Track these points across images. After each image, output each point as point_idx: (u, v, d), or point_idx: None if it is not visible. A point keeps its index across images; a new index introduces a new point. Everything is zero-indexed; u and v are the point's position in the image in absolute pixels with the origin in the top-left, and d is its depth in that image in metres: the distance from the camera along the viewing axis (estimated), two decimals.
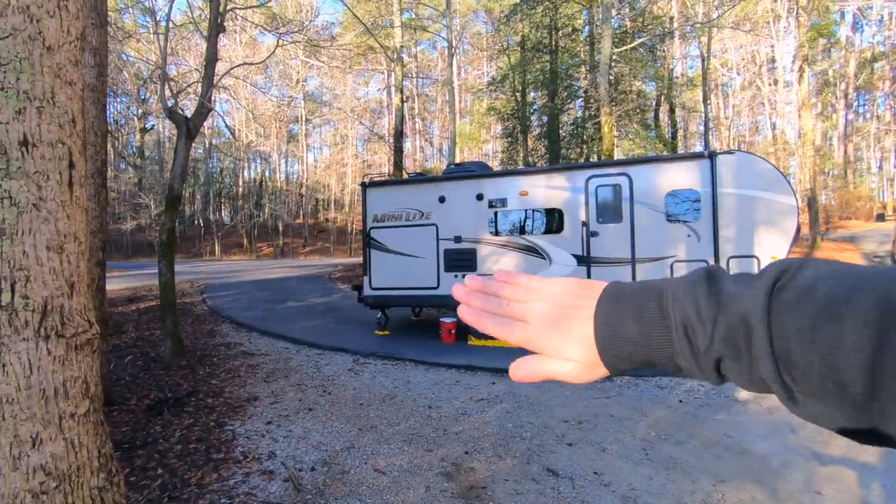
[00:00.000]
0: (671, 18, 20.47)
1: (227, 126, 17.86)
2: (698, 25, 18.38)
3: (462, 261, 8.60)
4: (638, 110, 16.80)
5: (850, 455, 4.10)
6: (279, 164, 46.35)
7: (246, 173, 45.88)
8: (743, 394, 5.68)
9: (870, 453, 4.14)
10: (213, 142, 42.77)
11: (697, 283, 0.46)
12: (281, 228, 40.18)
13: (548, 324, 0.53)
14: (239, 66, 12.36)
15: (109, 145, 7.38)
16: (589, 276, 7.78)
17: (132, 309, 12.02)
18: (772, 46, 26.26)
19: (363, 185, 9.51)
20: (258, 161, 46.64)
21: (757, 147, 31.24)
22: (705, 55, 20.83)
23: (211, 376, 6.75)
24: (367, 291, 9.29)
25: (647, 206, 7.55)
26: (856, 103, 36.63)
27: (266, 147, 42.67)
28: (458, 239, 8.60)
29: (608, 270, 7.68)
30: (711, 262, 7.14)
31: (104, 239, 5.19)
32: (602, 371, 0.51)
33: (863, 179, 35.37)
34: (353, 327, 10.02)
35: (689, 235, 7.34)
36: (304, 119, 41.34)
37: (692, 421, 4.92)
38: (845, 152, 32.82)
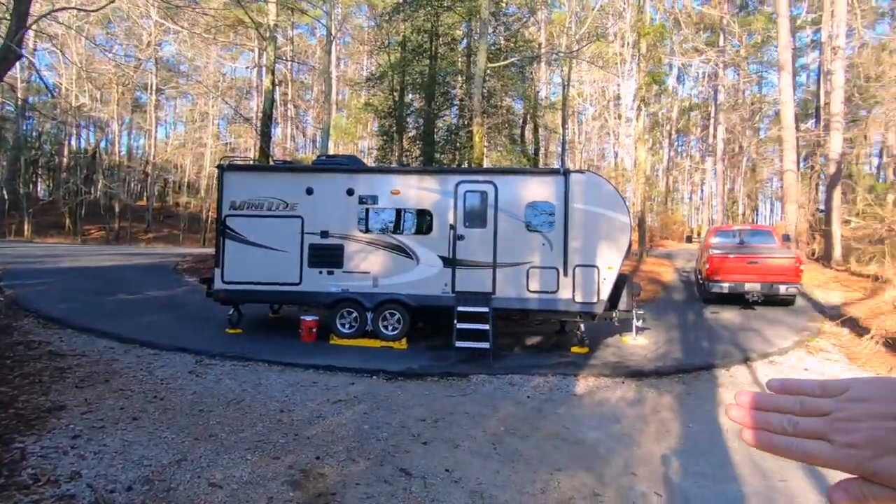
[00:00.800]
0: (539, 45, 22.38)
1: (43, 80, 14.80)
2: (561, 55, 20.35)
3: (328, 257, 8.25)
4: (507, 125, 17.99)
5: (659, 439, 4.77)
6: (119, 136, 40.05)
7: (74, 142, 38.73)
8: (580, 388, 6.32)
9: (673, 435, 4.88)
10: (30, 99, 35.32)
11: None
12: (117, 210, 34.69)
13: (872, 443, 0.41)
14: (65, 9, 10.31)
15: None
16: (454, 278, 8.01)
17: None
18: (618, 85, 30.21)
19: (220, 167, 8.60)
20: (92, 129, 39.71)
21: (602, 171, 35.57)
22: (566, 83, 23.16)
23: None
24: (218, 285, 8.39)
25: (509, 215, 8.03)
26: (676, 143, 43.88)
27: (104, 114, 36.52)
28: (324, 234, 8.22)
29: (471, 273, 8.00)
30: (560, 268, 7.85)
31: None
32: None
33: (678, 207, 42.60)
34: (200, 325, 8.99)
35: (543, 244, 7.97)
36: (154, 88, 36.26)
37: (537, 415, 5.32)
38: (667, 183, 39.05)
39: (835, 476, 0.43)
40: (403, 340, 8.13)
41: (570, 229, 7.88)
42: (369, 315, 8.15)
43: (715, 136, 32.66)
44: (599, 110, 37.78)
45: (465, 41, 18.27)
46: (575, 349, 7.99)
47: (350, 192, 8.25)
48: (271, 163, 13.58)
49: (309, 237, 8.22)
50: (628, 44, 24.94)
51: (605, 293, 7.82)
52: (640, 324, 8.65)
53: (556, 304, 7.93)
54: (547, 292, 7.90)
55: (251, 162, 14.33)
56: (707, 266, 11.08)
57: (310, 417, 4.92)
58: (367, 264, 8.21)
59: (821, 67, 25.46)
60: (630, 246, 8.19)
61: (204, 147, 39.70)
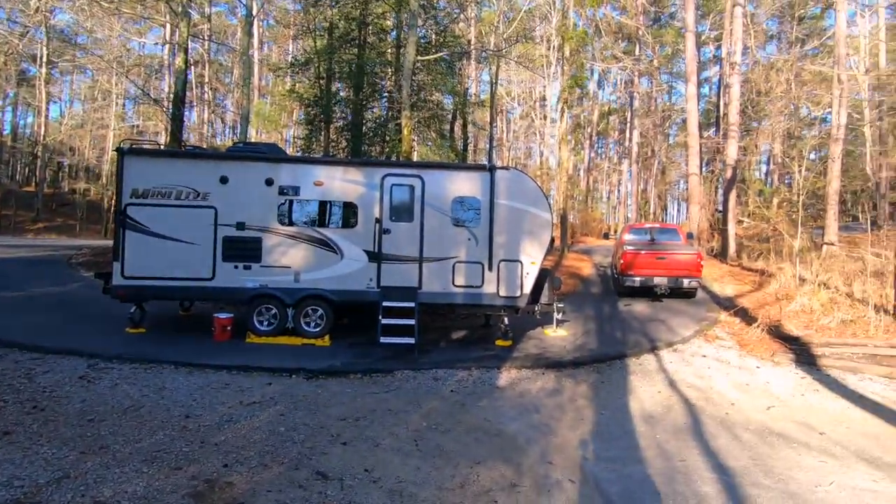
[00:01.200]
0: (469, 41, 22.62)
1: None
2: (490, 53, 20.70)
3: (245, 250, 7.76)
4: (436, 119, 17.99)
5: (574, 427, 4.97)
6: (2, 112, 35.27)
7: None
8: (502, 381, 6.45)
9: (587, 423, 5.10)
10: None
11: None
12: None
13: None
14: None
15: None
16: (379, 273, 7.86)
17: None
18: (544, 87, 31.31)
19: (120, 150, 7.78)
20: None
21: (529, 169, 36.76)
22: (494, 81, 23.61)
23: None
24: (117, 280, 7.61)
25: (436, 209, 8.01)
26: (596, 145, 46.37)
27: None
28: (241, 226, 7.72)
29: (397, 268, 7.89)
30: (486, 263, 7.97)
31: None
32: None
33: (597, 205, 45.13)
34: (96, 325, 8.12)
35: (469, 239, 8.04)
36: (44, 59, 32.25)
37: (459, 409, 5.34)
38: (587, 182, 41.20)
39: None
40: (326, 337, 7.86)
41: (496, 225, 8.01)
42: (290, 311, 7.80)
43: (630, 140, 34.85)
44: (527, 110, 38.99)
45: (394, 32, 17.99)
46: (499, 342, 8.15)
47: (269, 183, 7.81)
48: (183, 148, 12.56)
49: (223, 229, 7.69)
50: (553, 47, 25.90)
51: (528, 287, 8.04)
52: (560, 316, 9.01)
53: (481, 299, 8.04)
54: (472, 287, 7.99)
55: (160, 146, 13.16)
56: (621, 261, 11.78)
57: (219, 422, 4.58)
58: (288, 258, 7.83)
59: (721, 81, 27.98)
60: (552, 242, 8.48)
61: (106, 129, 36.00)
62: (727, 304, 11.00)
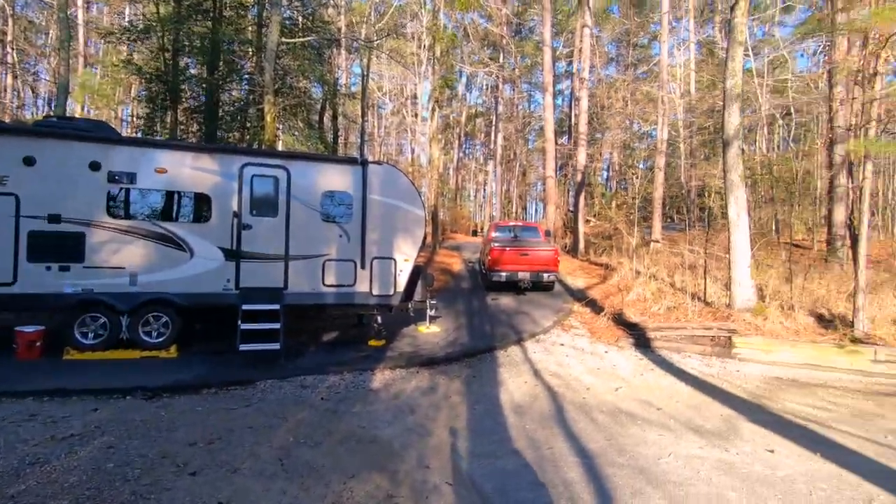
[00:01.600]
0: (339, 29, 21.76)
1: None
2: (361, 43, 20.15)
3: (61, 248, 6.36)
4: (303, 108, 16.92)
5: (449, 425, 4.97)
6: None
7: None
8: (376, 383, 6.23)
9: (461, 420, 5.14)
10: None
11: None
12: None
13: None
14: None
15: None
16: (238, 273, 7.07)
17: None
18: (415, 84, 31.58)
19: None
20: None
21: (400, 165, 36.86)
22: (365, 73, 23.07)
23: None
24: None
25: (304, 204, 7.45)
26: (465, 145, 48.36)
27: None
28: (54, 218, 6.31)
29: (260, 267, 7.18)
30: (358, 261, 7.65)
31: None
32: None
33: (465, 203, 47.17)
34: None
35: (340, 236, 7.64)
36: None
37: (331, 418, 5.00)
38: (457, 181, 42.75)
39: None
40: (173, 348, 6.85)
41: (369, 221, 7.74)
42: (124, 320, 6.63)
43: (495, 143, 36.91)
44: (398, 106, 38.99)
45: (255, 9, 16.46)
46: (372, 342, 7.91)
47: (95, 167, 6.52)
48: None
49: (28, 222, 6.22)
50: (424, 46, 26.20)
51: (401, 285, 7.93)
52: (433, 313, 9.07)
53: (353, 298, 7.71)
54: (344, 286, 7.62)
55: None
56: (489, 258, 12.32)
57: (18, 467, 3.63)
58: (122, 258, 6.63)
59: (572, 94, 31.00)
60: (425, 238, 8.47)
61: None
62: (579, 296, 12.16)
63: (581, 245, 20.40)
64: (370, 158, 9.33)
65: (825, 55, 20.95)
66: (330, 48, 19.01)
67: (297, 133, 17.22)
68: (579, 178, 21.79)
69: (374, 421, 4.98)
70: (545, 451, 4.37)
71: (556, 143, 23.72)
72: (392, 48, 26.04)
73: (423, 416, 5.21)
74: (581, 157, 21.62)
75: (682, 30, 27.44)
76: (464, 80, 39.86)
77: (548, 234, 15.05)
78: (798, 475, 4.02)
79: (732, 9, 9.79)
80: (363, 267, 7.68)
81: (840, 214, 14.36)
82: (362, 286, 7.68)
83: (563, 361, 7.59)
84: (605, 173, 40.16)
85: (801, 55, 26.87)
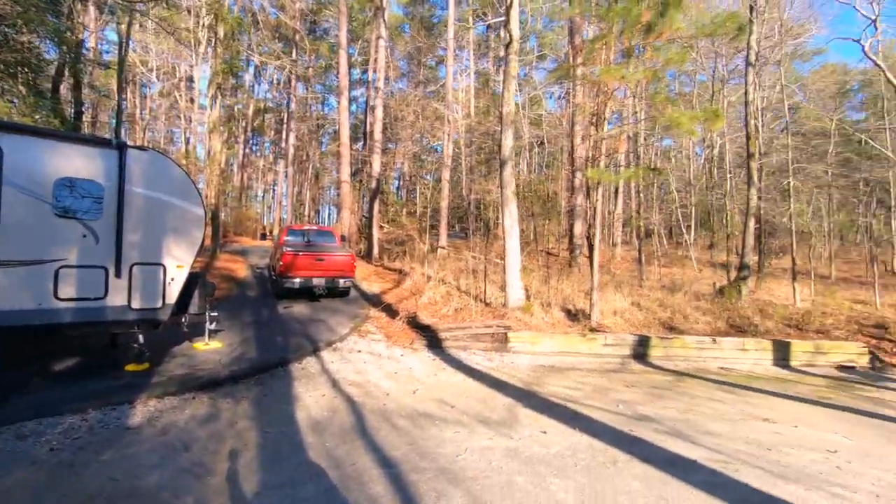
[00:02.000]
0: None
1: None
2: (118, 2, 16.52)
3: None
4: (28, 68, 12.92)
5: (235, 458, 4.31)
6: None
7: None
8: (136, 418, 5.05)
9: (251, 448, 4.52)
10: None
11: None
12: None
13: None
14: None
15: None
16: None
17: None
18: (191, 66, 27.67)
19: None
20: None
21: (172, 156, 31.79)
22: (123, 41, 19.06)
23: None
24: None
25: (25, 192, 5.60)
26: (251, 141, 44.46)
27: None
28: None
29: None
30: (111, 268, 6.14)
31: None
32: None
33: (252, 204, 43.31)
34: None
35: (84, 236, 6.00)
36: None
37: (65, 476, 3.81)
38: (242, 179, 38.93)
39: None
40: None
41: (128, 219, 6.29)
42: None
43: (287, 142, 34.96)
44: (169, 87, 33.62)
45: None
46: (131, 367, 6.45)
47: None
48: None
49: None
50: (204, 25, 23.17)
51: (172, 296, 6.66)
52: (213, 326, 7.93)
53: (104, 314, 6.13)
54: (90, 299, 6.00)
55: None
56: (281, 263, 11.46)
57: None
58: None
59: (367, 101, 31.50)
60: (204, 241, 7.33)
61: None
62: (375, 301, 12.26)
63: (376, 250, 20.76)
64: (130, 143, 7.61)
65: (567, 100, 26.08)
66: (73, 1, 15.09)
67: (16, 101, 13.12)
68: (374, 184, 22.19)
69: (134, 468, 3.98)
70: (348, 468, 4.13)
71: (352, 149, 23.70)
72: (162, 17, 22.28)
73: (201, 451, 4.40)
74: (376, 165, 22.06)
75: (464, 58, 30.67)
76: (252, 70, 36.83)
77: (343, 238, 14.85)
78: (565, 450, 4.70)
79: (507, 46, 11.27)
80: (118, 275, 6.19)
81: (579, 228, 17.93)
82: (117, 299, 6.18)
83: (362, 369, 7.46)
84: (396, 182, 42.01)
85: (551, 96, 32.89)
